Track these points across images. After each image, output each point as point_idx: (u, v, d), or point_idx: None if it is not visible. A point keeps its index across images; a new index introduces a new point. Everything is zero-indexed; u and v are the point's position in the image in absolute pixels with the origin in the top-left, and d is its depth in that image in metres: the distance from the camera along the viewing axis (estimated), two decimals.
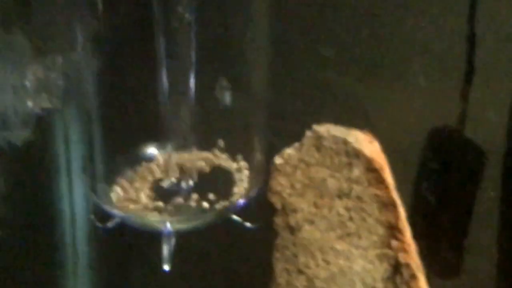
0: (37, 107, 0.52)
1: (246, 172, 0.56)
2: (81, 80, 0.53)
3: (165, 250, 0.50)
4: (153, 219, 0.52)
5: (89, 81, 0.53)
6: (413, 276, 0.47)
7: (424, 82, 0.61)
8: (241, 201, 0.54)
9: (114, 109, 0.54)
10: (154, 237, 0.51)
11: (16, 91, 0.50)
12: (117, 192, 0.54)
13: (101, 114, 0.54)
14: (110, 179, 0.55)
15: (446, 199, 0.61)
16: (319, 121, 0.50)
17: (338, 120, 0.50)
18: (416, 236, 0.48)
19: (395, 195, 0.49)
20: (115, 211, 0.52)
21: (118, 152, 0.56)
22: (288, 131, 0.59)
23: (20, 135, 0.51)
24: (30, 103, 0.51)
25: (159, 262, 0.50)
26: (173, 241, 0.50)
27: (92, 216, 0.54)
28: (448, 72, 0.61)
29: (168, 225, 0.51)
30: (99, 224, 0.53)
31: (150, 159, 0.56)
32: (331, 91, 0.61)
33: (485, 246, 0.57)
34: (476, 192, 0.61)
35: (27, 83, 0.51)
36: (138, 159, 0.56)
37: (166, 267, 0.50)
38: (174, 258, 0.50)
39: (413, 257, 0.48)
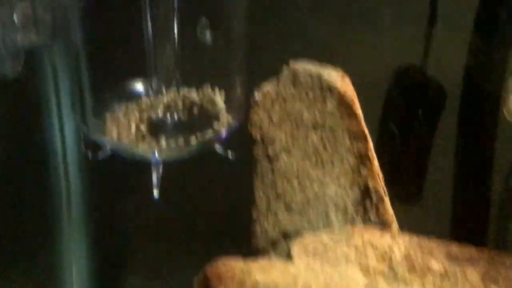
0: (26, 42, 0.53)
1: (228, 106, 0.59)
2: (68, 16, 0.54)
3: (154, 178, 0.53)
4: (142, 148, 0.54)
5: (76, 17, 0.55)
6: (381, 200, 0.51)
7: (391, 25, 0.64)
8: (224, 133, 0.57)
9: (101, 44, 0.55)
10: (143, 167, 0.54)
11: (5, 27, 0.51)
12: (107, 125, 0.56)
13: (88, 50, 0.55)
14: (100, 113, 0.56)
15: (409, 131, 0.65)
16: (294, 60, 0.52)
17: (311, 61, 0.53)
18: (381, 165, 0.52)
19: (365, 127, 0.52)
20: (106, 140, 0.54)
21: (106, 87, 0.57)
22: (265, 67, 0.61)
23: (10, 68, 0.52)
24: (19, 38, 0.52)
25: (148, 191, 0.53)
26: (161, 169, 0.54)
27: (83, 148, 0.56)
28: (413, 16, 0.64)
29: (156, 154, 0.54)
30: (90, 154, 0.55)
31: (138, 94, 0.58)
32: (305, 34, 0.63)
33: (443, 175, 0.61)
34: (436, 125, 0.65)
35: (15, 19, 0.52)
36: (126, 95, 0.58)
37: (156, 194, 0.53)
38: (162, 186, 0.53)
39: (380, 183, 0.52)
